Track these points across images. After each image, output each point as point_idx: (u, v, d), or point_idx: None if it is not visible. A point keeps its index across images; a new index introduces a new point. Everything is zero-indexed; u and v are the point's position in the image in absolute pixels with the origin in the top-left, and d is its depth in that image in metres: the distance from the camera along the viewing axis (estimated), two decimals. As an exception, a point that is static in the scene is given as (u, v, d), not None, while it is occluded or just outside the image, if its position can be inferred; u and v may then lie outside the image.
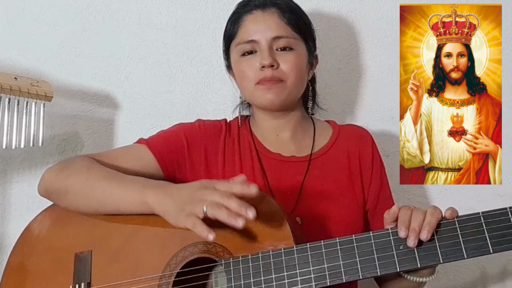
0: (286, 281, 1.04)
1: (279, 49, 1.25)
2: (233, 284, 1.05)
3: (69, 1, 1.60)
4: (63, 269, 1.17)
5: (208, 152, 1.29)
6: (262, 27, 1.25)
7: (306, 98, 1.37)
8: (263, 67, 1.23)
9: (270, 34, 1.24)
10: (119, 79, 1.62)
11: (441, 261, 1.00)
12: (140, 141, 1.29)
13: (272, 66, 1.23)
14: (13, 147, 1.39)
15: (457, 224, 1.01)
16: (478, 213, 1.01)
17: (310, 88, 1.36)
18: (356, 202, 1.28)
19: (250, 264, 1.06)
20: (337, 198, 1.26)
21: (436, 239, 1.01)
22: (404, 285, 1.18)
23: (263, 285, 1.04)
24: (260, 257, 1.06)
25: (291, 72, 1.24)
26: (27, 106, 1.40)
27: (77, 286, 1.14)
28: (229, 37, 1.31)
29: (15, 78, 1.38)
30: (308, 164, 1.28)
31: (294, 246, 1.05)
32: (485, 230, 1.00)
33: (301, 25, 1.28)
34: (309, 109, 1.37)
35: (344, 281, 1.02)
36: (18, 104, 1.39)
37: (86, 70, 1.61)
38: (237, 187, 1.02)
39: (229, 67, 1.36)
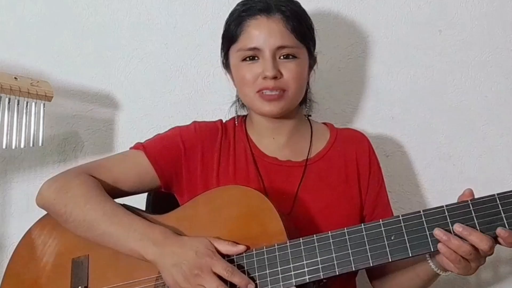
0: (280, 276, 1.05)
1: (282, 57, 1.23)
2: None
3: (69, 1, 1.61)
4: (61, 274, 1.17)
5: (204, 155, 1.28)
6: (266, 34, 1.21)
7: (303, 101, 1.35)
8: (265, 77, 1.21)
9: (274, 43, 1.21)
10: (119, 79, 1.62)
11: (432, 249, 1.01)
12: (137, 146, 1.28)
13: (275, 77, 1.21)
14: (13, 147, 1.40)
15: (446, 212, 1.01)
16: (467, 201, 1.01)
17: (307, 89, 1.35)
18: (353, 206, 1.27)
19: (245, 261, 1.07)
20: (334, 203, 1.25)
21: (426, 227, 1.01)
22: (412, 276, 1.18)
23: (257, 281, 1.05)
24: (254, 254, 1.07)
25: (293, 81, 1.23)
26: (27, 106, 1.41)
27: (74, 290, 1.15)
28: (230, 39, 1.28)
29: (15, 78, 1.38)
30: (304, 170, 1.28)
31: (288, 242, 1.06)
32: (474, 217, 1.00)
33: (304, 32, 1.26)
34: (306, 109, 1.36)
35: (337, 273, 1.03)
36: (18, 104, 1.40)
37: (86, 70, 1.61)
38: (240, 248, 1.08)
39: (226, 65, 1.35)
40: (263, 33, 1.22)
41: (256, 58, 1.23)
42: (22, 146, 1.41)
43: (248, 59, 1.24)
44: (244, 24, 1.24)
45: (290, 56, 1.23)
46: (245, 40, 1.24)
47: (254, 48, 1.22)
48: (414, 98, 1.61)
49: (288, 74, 1.22)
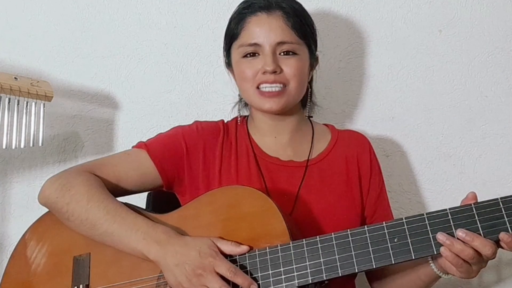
0: (283, 276, 1.05)
1: (282, 53, 1.23)
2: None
3: (69, 1, 1.61)
4: (62, 272, 1.17)
5: (206, 155, 1.28)
6: (267, 30, 1.22)
7: (305, 100, 1.36)
8: (265, 71, 1.22)
9: (274, 38, 1.22)
10: (119, 79, 1.62)
11: (435, 252, 1.01)
12: (140, 145, 1.28)
13: (275, 72, 1.22)
14: (13, 147, 1.40)
15: (449, 215, 1.02)
16: (470, 204, 1.02)
17: (309, 90, 1.35)
18: (354, 208, 1.27)
19: (248, 261, 1.07)
20: (335, 204, 1.25)
21: (429, 230, 1.01)
22: (413, 278, 1.18)
23: (260, 281, 1.05)
24: (257, 254, 1.07)
25: (294, 77, 1.23)
26: (27, 106, 1.41)
27: (75, 288, 1.15)
28: (231, 36, 1.29)
29: (15, 78, 1.38)
30: (305, 170, 1.28)
31: (291, 243, 1.06)
32: (477, 220, 1.00)
33: (305, 29, 1.26)
34: (308, 111, 1.36)
35: (340, 275, 1.03)
36: (18, 104, 1.39)
37: (86, 70, 1.61)
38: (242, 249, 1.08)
39: (228, 63, 1.35)
40: (264, 29, 1.23)
41: (256, 54, 1.24)
42: (22, 146, 1.40)
43: (248, 55, 1.25)
44: (245, 21, 1.25)
45: (290, 53, 1.24)
46: (245, 36, 1.25)
47: (255, 44, 1.23)
48: (414, 98, 1.61)
49: (288, 69, 1.23)
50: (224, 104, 1.59)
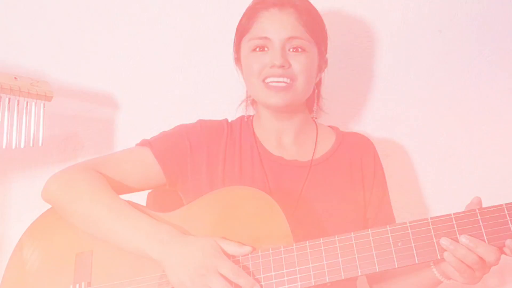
0: (285, 278, 1.04)
1: (292, 49, 1.24)
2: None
3: (69, 1, 1.61)
4: (64, 269, 1.17)
5: (210, 153, 1.28)
6: (278, 25, 1.23)
7: (310, 101, 1.36)
8: (273, 65, 1.22)
9: (284, 34, 1.22)
10: (119, 79, 1.62)
11: (438, 257, 1.01)
12: (143, 143, 1.28)
13: (283, 66, 1.22)
14: (13, 147, 1.40)
15: (454, 220, 1.02)
16: (475, 210, 1.02)
17: (316, 91, 1.35)
18: (356, 209, 1.27)
19: (250, 262, 1.07)
20: (337, 205, 1.25)
21: (433, 235, 1.01)
22: (414, 281, 1.18)
23: (262, 283, 1.05)
24: (260, 255, 1.07)
25: (301, 73, 1.23)
26: (27, 106, 1.41)
27: (77, 286, 1.14)
28: (242, 31, 1.29)
29: (15, 78, 1.38)
30: (309, 170, 1.28)
31: (294, 245, 1.06)
32: (481, 226, 1.00)
33: (316, 28, 1.27)
34: (314, 112, 1.36)
35: (342, 277, 1.03)
36: (18, 104, 1.39)
37: (86, 70, 1.61)
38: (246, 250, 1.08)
39: (237, 59, 1.34)
40: (275, 23, 1.23)
41: (265, 49, 1.24)
42: (22, 146, 1.40)
43: (258, 49, 1.25)
44: (257, 15, 1.26)
45: (300, 49, 1.24)
46: (256, 30, 1.25)
47: (265, 38, 1.23)
48: (414, 98, 1.61)
49: (296, 65, 1.23)
50: (224, 104, 1.59)
